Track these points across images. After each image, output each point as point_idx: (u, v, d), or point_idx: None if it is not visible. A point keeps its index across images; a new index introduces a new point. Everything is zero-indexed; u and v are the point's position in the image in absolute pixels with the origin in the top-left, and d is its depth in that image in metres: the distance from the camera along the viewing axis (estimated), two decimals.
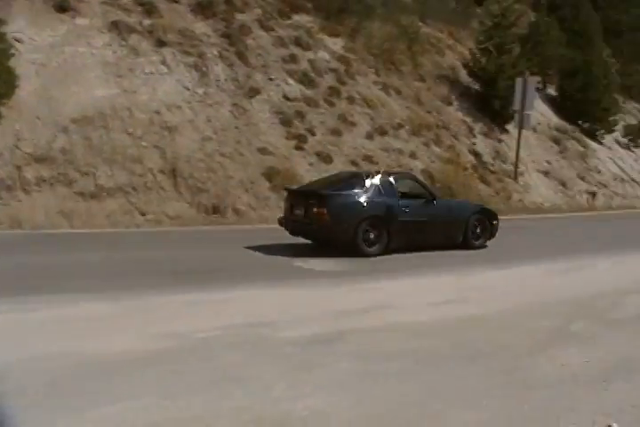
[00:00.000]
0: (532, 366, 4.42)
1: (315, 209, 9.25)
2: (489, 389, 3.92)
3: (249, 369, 4.13)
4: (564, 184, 23.22)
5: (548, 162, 23.64)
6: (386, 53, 20.07)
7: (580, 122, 28.82)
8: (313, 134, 16.18)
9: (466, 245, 10.55)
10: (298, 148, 15.64)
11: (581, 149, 26.70)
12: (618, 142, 32.34)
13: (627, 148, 33.08)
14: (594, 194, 23.43)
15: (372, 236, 9.47)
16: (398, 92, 19.49)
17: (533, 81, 21.24)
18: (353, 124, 17.20)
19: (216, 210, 13.41)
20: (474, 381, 4.05)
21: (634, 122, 35.59)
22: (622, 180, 27.51)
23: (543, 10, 31.38)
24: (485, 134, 21.42)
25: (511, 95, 20.78)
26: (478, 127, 21.35)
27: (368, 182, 9.78)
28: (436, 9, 24.88)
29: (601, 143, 29.78)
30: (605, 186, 24.55)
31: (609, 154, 29.69)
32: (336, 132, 16.63)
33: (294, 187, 11.47)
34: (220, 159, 14.29)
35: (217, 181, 13.84)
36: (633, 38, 41.72)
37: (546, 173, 22.88)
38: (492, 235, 10.94)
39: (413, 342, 4.90)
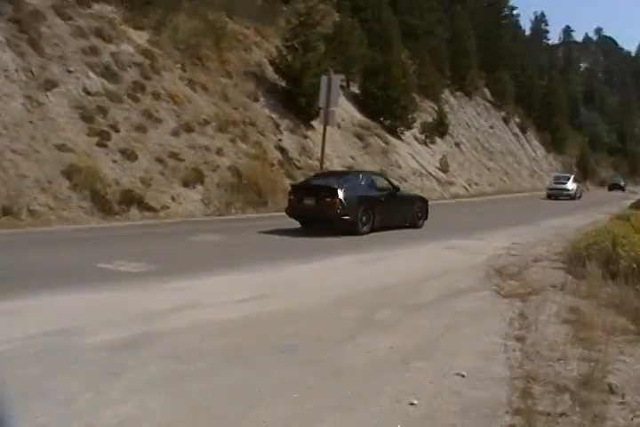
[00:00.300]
0: (339, 355, 4.63)
1: (328, 199, 12.55)
2: (298, 381, 4.05)
3: (50, 382, 3.88)
4: None
5: (352, 157, 24.79)
6: (192, 48, 19.82)
7: (381, 119, 30.51)
8: (116, 131, 15.58)
9: (414, 224, 14.83)
10: (100, 144, 14.96)
11: (383, 144, 28.30)
12: (416, 138, 34.77)
13: (424, 143, 35.70)
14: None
15: (364, 219, 12.99)
16: (205, 89, 19.36)
17: (337, 79, 21.99)
18: (158, 120, 16.81)
19: (7, 212, 12.42)
20: (283, 374, 4.17)
21: (430, 120, 38.50)
22: (421, 174, 29.59)
23: (347, 11, 32.73)
24: (292, 131, 21.95)
25: (316, 92, 21.39)
26: (285, 124, 21.82)
27: (359, 179, 13.77)
28: (242, 5, 25.02)
29: (401, 139, 31.79)
30: (406, 180, 26.27)
31: (408, 149, 31.80)
32: (141, 129, 16.15)
33: (298, 183, 15.16)
34: (11, 156, 13.24)
35: (7, 180, 12.82)
36: (428, 42, 45.13)
37: (350, 168, 23.98)
38: (426, 217, 15.33)
39: (222, 340, 4.92)
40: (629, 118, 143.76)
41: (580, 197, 39.57)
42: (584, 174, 65.69)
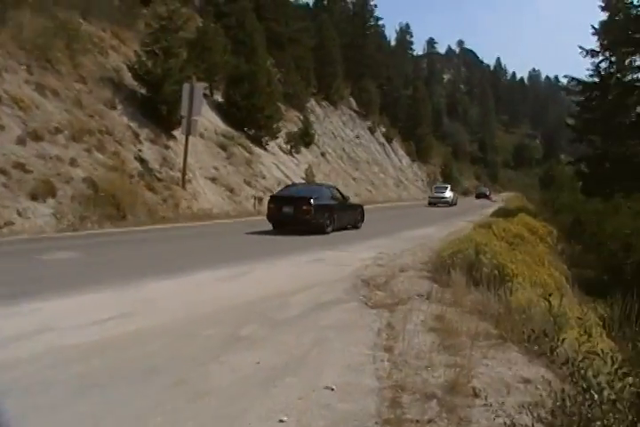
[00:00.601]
0: (204, 375, 4.58)
1: (304, 207, 16.70)
2: (161, 405, 3.97)
3: None
4: (231, 190, 24.36)
5: (216, 168, 24.63)
6: (40, 49, 18.83)
7: (245, 128, 30.57)
8: None
9: (356, 226, 19.69)
10: None
11: (247, 155, 28.36)
12: (281, 148, 35.13)
13: (289, 153, 36.16)
14: (260, 199, 25.00)
15: (328, 222, 17.45)
16: (55, 94, 18.51)
17: (200, 87, 21.84)
18: (1, 127, 15.88)
19: None
20: (145, 398, 4.07)
21: (295, 129, 39.05)
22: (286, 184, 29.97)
23: (210, 16, 32.57)
24: (152, 141, 21.46)
25: (178, 100, 21.12)
26: (144, 133, 21.30)
27: (323, 190, 18.68)
28: (98, 6, 24.20)
29: (266, 149, 32.00)
30: (271, 191, 26.41)
31: (273, 160, 32.05)
32: None
33: (278, 194, 18.77)
34: None
35: None
36: (293, 50, 45.81)
37: (213, 180, 23.79)
38: (363, 220, 20.16)
39: (77, 366, 4.70)
40: (489, 129, 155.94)
41: (455, 203, 47.69)
42: (440, 182, 70.02)
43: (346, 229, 18.72)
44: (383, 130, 70.76)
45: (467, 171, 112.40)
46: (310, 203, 16.85)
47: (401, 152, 74.44)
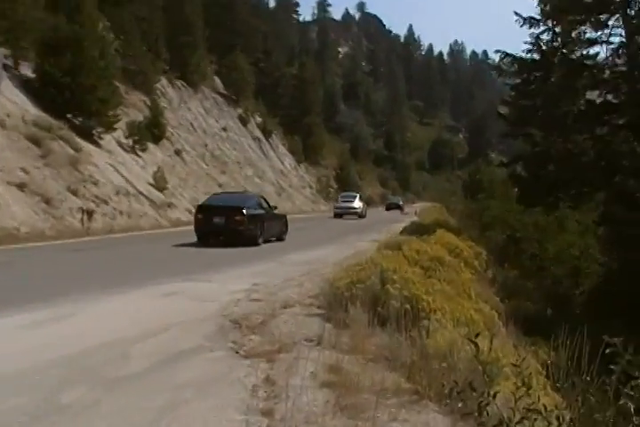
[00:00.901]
0: None
1: (237, 217, 20.86)
2: None
3: None
4: (48, 201, 23.50)
5: (25, 170, 23.80)
6: None
7: (69, 116, 29.77)
8: None
9: (281, 238, 24.57)
10: None
11: (72, 152, 27.61)
12: (120, 144, 34.50)
13: (132, 151, 35.53)
14: (90, 213, 24.44)
15: (259, 232, 21.67)
16: None
17: None
18: None
19: None
20: None
21: (140, 118, 38.42)
22: (127, 193, 29.37)
23: None
24: None
25: None
26: None
27: (253, 200, 23.43)
28: None
29: (98, 145, 31.33)
30: (105, 202, 25.91)
31: (109, 159, 31.42)
32: None
33: (207, 203, 23.21)
34: None
35: None
36: (137, 9, 44.63)
37: (21, 186, 22.90)
38: (287, 231, 25.30)
39: None
40: (398, 119, 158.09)
41: (365, 215, 52.14)
42: (344, 190, 70.84)
43: (269, 241, 23.16)
44: (259, 120, 70.68)
45: (369, 174, 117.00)
46: (243, 212, 21.09)
47: (283, 150, 74.63)
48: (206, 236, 21.23)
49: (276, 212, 25.16)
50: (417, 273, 10.64)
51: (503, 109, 35.79)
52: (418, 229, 24.37)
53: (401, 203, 79.85)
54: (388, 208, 76.67)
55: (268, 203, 24.53)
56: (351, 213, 50.56)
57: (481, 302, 10.88)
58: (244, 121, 66.18)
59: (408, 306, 8.16)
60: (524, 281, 19.70)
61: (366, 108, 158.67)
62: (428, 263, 12.16)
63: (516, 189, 33.70)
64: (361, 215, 51.15)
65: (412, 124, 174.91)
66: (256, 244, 21.15)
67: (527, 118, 30.63)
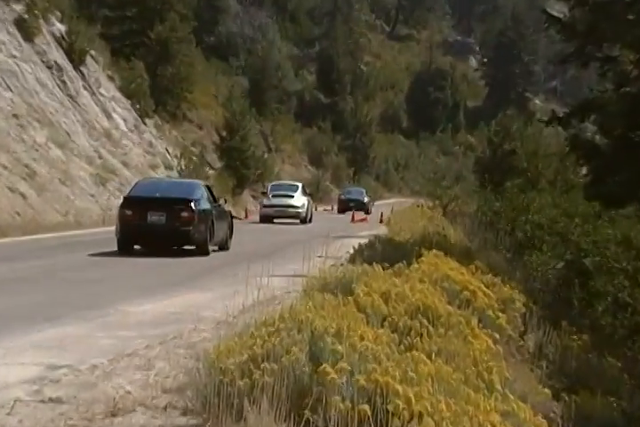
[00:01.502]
0: None
1: (184, 213, 17.07)
2: None
3: None
4: None
5: None
6: None
7: None
8: None
9: (224, 246, 19.34)
10: None
11: None
12: None
13: None
14: None
15: (209, 235, 17.67)
16: None
17: None
18: None
19: None
20: None
21: None
22: None
23: None
24: None
25: None
26: None
27: (200, 189, 18.93)
28: None
29: None
30: None
31: None
32: None
33: (136, 194, 18.40)
34: None
35: None
36: None
37: None
38: (231, 236, 20.24)
39: None
40: (348, 31, 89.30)
41: (310, 219, 37.40)
42: (273, 181, 46.16)
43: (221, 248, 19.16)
44: (61, 28, 38.25)
45: (289, 140, 72.50)
46: (192, 207, 17.12)
47: (110, 89, 41.91)
48: (135, 240, 17.46)
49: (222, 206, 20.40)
50: (384, 340, 6.96)
51: (557, 8, 21.22)
52: (387, 251, 15.46)
53: (366, 199, 54.22)
54: (344, 208, 50.54)
55: (212, 193, 19.65)
56: (289, 214, 35.73)
57: (514, 400, 6.60)
58: (27, 31, 34.18)
59: (367, 407, 5.37)
60: (601, 358, 11.53)
61: (280, 6, 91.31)
62: (407, 320, 7.71)
63: (585, 171, 21.52)
64: (304, 219, 36.04)
65: (376, 39, 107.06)
66: (206, 252, 17.27)
67: (609, 25, 16.80)
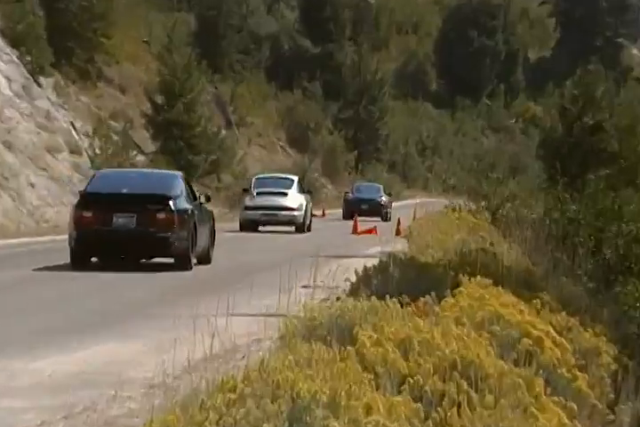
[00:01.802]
0: None
1: (161, 214, 14.17)
2: None
3: None
4: None
5: None
6: None
7: None
8: None
9: (205, 259, 16.22)
10: None
11: None
12: None
13: None
14: None
15: (191, 244, 14.66)
16: None
17: None
18: None
19: None
20: None
21: None
22: None
23: None
24: None
25: None
26: None
27: (175, 180, 15.80)
28: None
29: None
30: None
31: None
32: None
33: (99, 190, 15.09)
34: None
35: None
36: None
37: None
38: (213, 244, 17.35)
39: None
40: None
41: (309, 226, 31.03)
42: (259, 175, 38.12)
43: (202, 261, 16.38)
44: None
45: (260, 112, 54.05)
46: (170, 206, 14.46)
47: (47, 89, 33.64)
48: (95, 250, 14.55)
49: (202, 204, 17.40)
50: (403, 413, 4.84)
51: None
52: (406, 278, 11.29)
53: (384, 199, 44.96)
54: (353, 211, 39.82)
55: (190, 186, 16.83)
56: (281, 220, 29.32)
57: None
58: None
59: None
60: None
61: None
62: (438, 383, 5.58)
63: None
64: (301, 225, 29.49)
65: None
66: (187, 266, 14.52)
67: None
